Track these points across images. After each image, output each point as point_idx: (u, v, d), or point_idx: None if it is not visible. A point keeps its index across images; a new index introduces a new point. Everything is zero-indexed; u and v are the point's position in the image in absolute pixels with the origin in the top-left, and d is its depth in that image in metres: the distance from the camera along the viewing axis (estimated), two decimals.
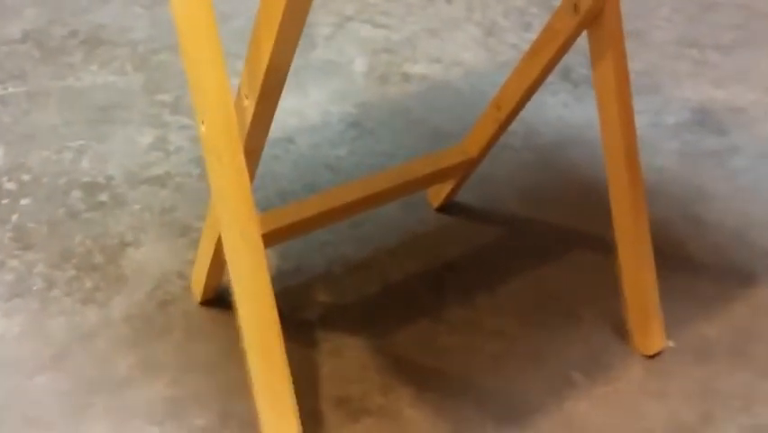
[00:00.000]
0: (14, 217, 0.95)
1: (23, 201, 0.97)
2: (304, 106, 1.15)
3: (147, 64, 1.22)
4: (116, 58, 1.23)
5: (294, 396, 0.63)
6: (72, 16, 1.33)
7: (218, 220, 0.74)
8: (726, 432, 0.77)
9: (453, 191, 1.00)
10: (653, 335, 0.84)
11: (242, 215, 0.61)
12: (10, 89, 1.16)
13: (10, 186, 1.00)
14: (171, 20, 1.33)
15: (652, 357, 0.84)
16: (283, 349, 0.61)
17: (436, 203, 1.01)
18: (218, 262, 0.80)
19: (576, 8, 0.78)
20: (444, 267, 0.93)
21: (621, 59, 0.79)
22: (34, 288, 0.86)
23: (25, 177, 1.01)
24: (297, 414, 0.63)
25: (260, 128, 0.65)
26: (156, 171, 1.02)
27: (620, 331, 0.85)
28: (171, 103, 1.15)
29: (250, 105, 0.62)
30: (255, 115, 0.63)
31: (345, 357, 0.82)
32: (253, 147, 0.65)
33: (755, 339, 0.87)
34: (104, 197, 0.98)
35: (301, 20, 0.57)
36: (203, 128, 0.61)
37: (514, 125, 0.91)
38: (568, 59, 0.83)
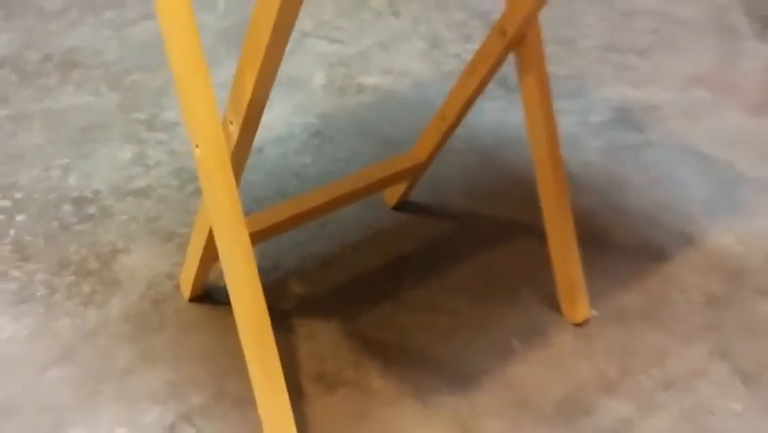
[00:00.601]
0: (12, 232, 1.05)
1: (19, 217, 1.07)
2: (271, 119, 1.27)
3: (120, 84, 1.33)
4: (91, 79, 1.33)
5: (282, 371, 0.75)
6: (45, 40, 1.42)
7: (206, 227, 0.86)
8: (641, 383, 0.91)
9: (407, 191, 1.12)
10: (579, 305, 0.98)
11: (233, 220, 0.73)
12: None
13: (4, 203, 1.10)
14: (140, 41, 1.44)
15: (579, 324, 0.98)
16: (271, 331, 0.74)
17: (392, 202, 1.13)
18: (205, 264, 0.92)
19: (504, 32, 0.91)
20: (401, 258, 1.06)
21: (543, 74, 0.92)
22: (38, 294, 0.97)
23: (18, 194, 1.11)
24: (285, 387, 0.76)
25: (244, 148, 0.77)
26: (138, 184, 1.13)
27: (552, 303, 0.99)
28: (147, 120, 1.25)
29: (234, 130, 0.74)
30: (239, 138, 0.75)
31: (320, 339, 0.94)
32: (238, 163, 0.77)
33: (665, 306, 1.01)
34: (92, 209, 1.09)
35: (279, 59, 0.69)
36: (197, 151, 0.73)
37: (458, 130, 1.04)
38: (503, 68, 0.96)
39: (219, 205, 0.73)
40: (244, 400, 0.86)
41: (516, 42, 0.91)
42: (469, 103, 0.98)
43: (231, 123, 0.74)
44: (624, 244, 1.09)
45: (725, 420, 0.88)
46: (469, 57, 1.42)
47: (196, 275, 0.93)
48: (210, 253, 0.89)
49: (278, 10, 0.64)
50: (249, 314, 0.74)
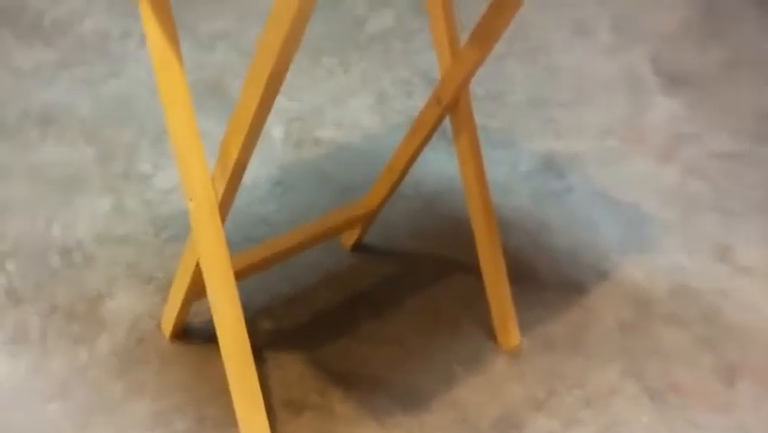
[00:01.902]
0: (3, 280, 1.15)
1: (9, 265, 1.18)
2: None
3: (96, 138, 1.44)
4: (68, 134, 1.44)
5: (260, 392, 0.88)
6: (22, 98, 1.52)
7: (189, 270, 0.99)
8: (565, 401, 1.07)
9: (362, 235, 1.26)
10: (511, 334, 1.13)
11: (220, 263, 0.87)
12: None
13: None
14: (112, 97, 1.56)
15: (511, 351, 1.13)
16: (251, 356, 0.87)
17: (349, 245, 1.27)
18: (187, 303, 1.05)
19: (439, 100, 1.05)
20: (358, 295, 1.20)
21: (473, 133, 1.06)
22: (32, 335, 1.07)
23: (6, 244, 1.21)
24: (263, 405, 0.88)
25: (228, 200, 0.90)
26: (118, 232, 1.25)
27: (489, 333, 1.14)
28: (122, 172, 1.37)
29: (220, 186, 0.88)
30: (225, 192, 0.88)
31: (288, 369, 1.07)
32: (223, 213, 0.91)
33: (585, 333, 1.18)
34: (77, 257, 1.20)
35: (261, 128, 0.83)
36: (191, 204, 0.86)
37: (405, 178, 1.18)
38: (444, 122, 1.10)
39: (208, 249, 0.87)
40: (224, 424, 0.99)
41: (450, 108, 1.06)
42: (413, 157, 1.13)
43: (216, 180, 0.88)
44: (549, 280, 1.25)
45: (635, 431, 1.04)
46: (412, 112, 1.59)
47: (178, 314, 1.05)
48: (192, 294, 1.02)
49: (260, 96, 0.78)
50: (232, 342, 0.87)
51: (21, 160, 1.38)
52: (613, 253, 1.31)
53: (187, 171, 0.87)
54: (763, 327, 1.20)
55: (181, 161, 0.87)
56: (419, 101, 1.62)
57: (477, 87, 1.67)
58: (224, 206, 0.90)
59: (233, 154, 0.84)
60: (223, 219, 0.90)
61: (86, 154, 1.40)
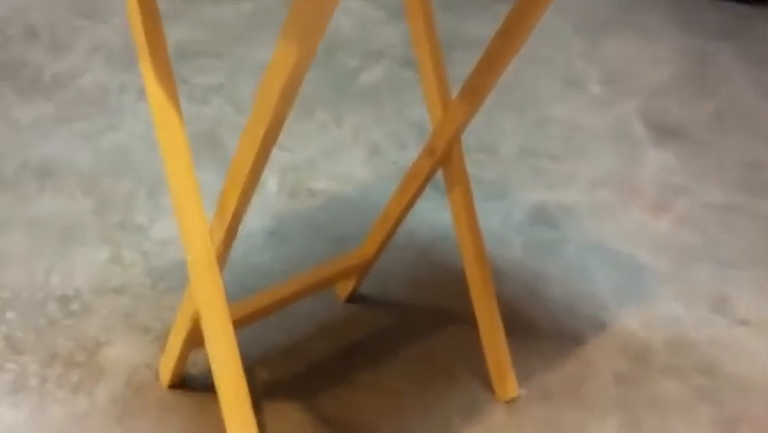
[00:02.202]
0: (4, 328, 1.15)
1: (9, 314, 1.18)
2: None
3: (93, 190, 1.46)
4: (66, 186, 1.46)
5: None
6: (21, 150, 1.54)
7: (187, 321, 0.99)
8: None
9: (357, 285, 1.27)
10: (508, 385, 1.13)
11: (219, 313, 0.87)
12: None
13: None
14: (108, 150, 1.58)
15: (509, 402, 1.13)
16: (250, 402, 0.86)
17: (344, 295, 1.28)
18: (185, 353, 1.05)
19: (432, 153, 1.07)
20: (353, 345, 1.20)
21: (466, 185, 1.08)
22: (31, 384, 1.07)
23: (6, 294, 1.21)
24: None
25: (226, 251, 0.91)
26: (115, 283, 1.25)
27: (486, 383, 1.14)
28: (119, 223, 1.38)
29: (218, 236, 0.89)
30: (222, 243, 0.90)
31: (285, 419, 1.07)
32: (221, 262, 0.91)
33: (582, 384, 1.18)
34: (75, 306, 1.20)
35: (256, 182, 0.85)
36: (190, 256, 0.87)
37: (399, 228, 1.20)
38: (437, 173, 1.12)
39: (208, 299, 0.87)
40: None
41: (443, 160, 1.07)
42: (407, 208, 1.14)
43: (215, 230, 0.89)
44: (545, 330, 1.26)
45: None
46: (404, 163, 1.61)
47: (176, 363, 1.05)
48: (191, 343, 1.02)
49: (257, 149, 0.80)
50: (231, 391, 0.87)
51: (19, 211, 1.39)
52: (609, 303, 1.32)
53: (185, 224, 0.88)
54: (761, 378, 1.20)
55: (180, 213, 0.88)
56: (412, 152, 1.64)
57: (468, 139, 1.70)
58: (222, 256, 0.91)
59: (231, 206, 0.86)
60: (220, 269, 0.90)
61: (83, 206, 1.41)
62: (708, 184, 1.65)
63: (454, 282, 1.31)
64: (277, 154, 1.60)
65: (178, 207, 0.88)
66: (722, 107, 1.93)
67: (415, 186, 1.11)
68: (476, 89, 1.00)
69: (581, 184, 1.62)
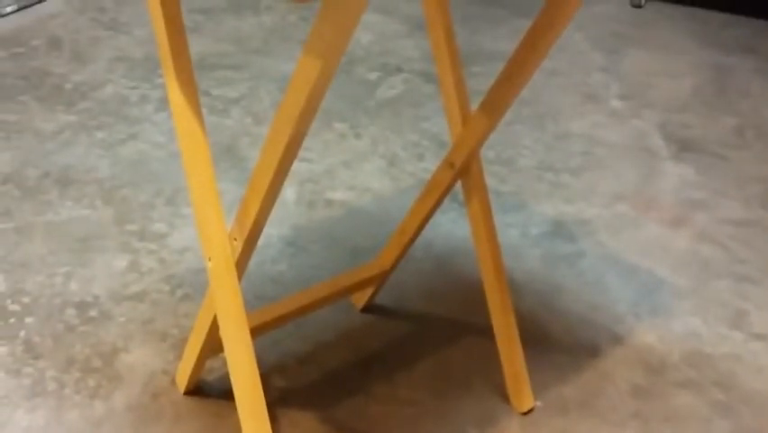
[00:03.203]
0: (22, 333, 1.16)
1: (28, 319, 1.19)
2: None
3: (113, 199, 1.47)
4: (86, 194, 1.47)
5: None
6: (43, 159, 1.56)
7: (205, 328, 1.00)
8: None
9: (373, 295, 1.27)
10: (524, 396, 1.13)
11: (237, 320, 0.88)
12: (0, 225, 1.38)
13: (14, 307, 1.21)
14: (128, 159, 1.60)
15: (525, 414, 1.13)
16: (267, 414, 0.87)
17: (360, 305, 1.28)
18: (202, 359, 1.05)
19: (452, 165, 1.07)
20: (370, 355, 1.20)
21: (485, 198, 1.08)
22: (49, 389, 1.08)
23: (25, 299, 1.23)
24: None
25: (245, 259, 0.92)
26: (134, 289, 1.26)
27: (502, 395, 1.13)
28: (138, 231, 1.39)
29: (238, 245, 0.90)
30: (242, 252, 0.90)
31: (301, 427, 1.07)
32: (240, 272, 0.92)
33: (599, 397, 1.17)
34: (93, 312, 1.22)
35: (278, 192, 0.85)
36: (210, 264, 0.88)
37: (416, 240, 1.20)
38: (455, 187, 1.12)
39: (226, 306, 0.88)
40: None
41: (462, 173, 1.07)
42: (425, 221, 1.14)
43: (235, 239, 0.90)
44: (562, 342, 1.25)
45: None
46: (423, 174, 1.61)
47: (194, 369, 1.06)
48: (208, 349, 1.02)
49: (279, 160, 0.80)
50: (248, 398, 0.87)
51: (40, 219, 1.40)
52: (626, 316, 1.31)
53: (206, 231, 0.89)
54: None
55: (201, 221, 0.89)
56: (430, 164, 1.65)
57: (488, 151, 1.70)
58: (241, 265, 0.91)
59: (252, 215, 0.86)
60: (239, 278, 0.91)
61: (103, 214, 1.43)
62: (728, 199, 1.64)
63: (471, 294, 1.31)
64: (296, 165, 1.60)
65: (199, 215, 0.89)
66: (742, 122, 1.92)
67: (433, 198, 1.11)
68: (496, 103, 1.00)
69: (600, 198, 1.62)
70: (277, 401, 1.10)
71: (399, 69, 2.03)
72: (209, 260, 0.88)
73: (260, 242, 1.41)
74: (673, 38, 2.34)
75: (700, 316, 1.33)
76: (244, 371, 0.87)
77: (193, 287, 1.28)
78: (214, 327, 0.96)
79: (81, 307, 1.22)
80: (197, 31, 2.13)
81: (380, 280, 1.22)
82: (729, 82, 2.12)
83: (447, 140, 1.70)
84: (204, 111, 1.73)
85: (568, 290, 1.36)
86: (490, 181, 1.51)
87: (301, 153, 1.66)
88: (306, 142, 1.68)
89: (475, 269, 1.34)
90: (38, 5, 2.17)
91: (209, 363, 1.09)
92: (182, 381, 1.08)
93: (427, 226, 1.16)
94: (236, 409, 0.88)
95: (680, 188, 1.67)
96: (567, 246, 1.47)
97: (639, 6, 2.47)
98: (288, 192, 1.54)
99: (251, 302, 1.26)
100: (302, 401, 1.10)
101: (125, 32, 2.10)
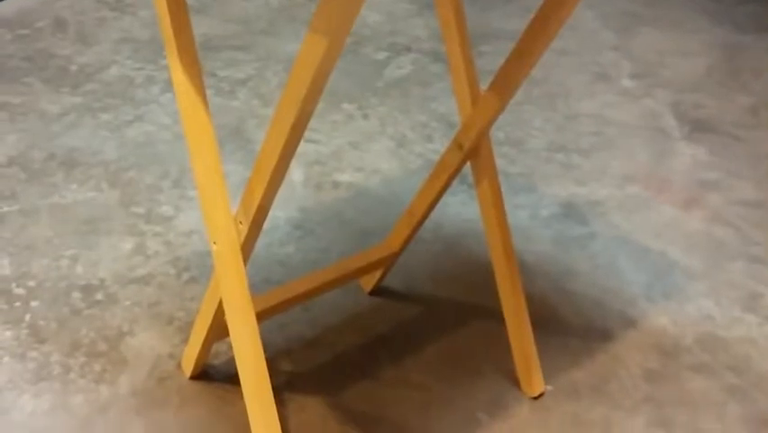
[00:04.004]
0: (28, 317, 1.16)
1: (33, 303, 1.18)
2: None
3: (119, 181, 1.46)
4: (92, 177, 1.46)
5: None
6: (48, 141, 1.55)
7: (211, 312, 0.98)
8: None
9: (381, 278, 1.25)
10: (535, 381, 1.11)
11: (243, 304, 0.86)
12: (5, 208, 1.37)
13: (19, 291, 1.20)
14: (134, 141, 1.58)
15: (536, 398, 1.11)
16: (272, 395, 0.85)
17: (368, 288, 1.27)
18: (208, 344, 1.04)
19: (461, 146, 1.05)
20: (378, 338, 1.19)
21: (495, 180, 1.06)
22: (54, 373, 1.07)
23: (31, 283, 1.22)
24: None
25: (251, 242, 0.90)
26: (140, 273, 1.25)
27: (512, 379, 1.12)
28: (144, 214, 1.38)
29: (244, 228, 0.88)
30: (247, 235, 0.89)
31: (308, 412, 1.06)
32: (245, 255, 0.91)
33: (610, 381, 1.16)
34: (99, 296, 1.20)
35: (283, 175, 0.84)
36: (215, 247, 0.86)
37: (425, 222, 1.18)
38: (463, 168, 1.11)
39: (232, 290, 0.86)
40: None
41: (472, 154, 1.06)
42: (434, 202, 1.12)
43: (240, 222, 0.88)
44: (573, 325, 1.24)
45: None
46: (431, 156, 1.59)
47: (200, 353, 1.05)
48: (214, 334, 1.01)
49: (284, 141, 0.79)
50: (254, 382, 0.86)
51: (46, 201, 1.39)
52: (639, 299, 1.29)
53: (211, 215, 0.87)
54: None
55: (206, 204, 0.87)
56: (439, 145, 1.62)
57: (496, 133, 1.68)
58: (247, 248, 0.90)
59: (257, 198, 0.85)
60: (245, 261, 0.89)
61: (109, 196, 1.41)
62: (741, 180, 1.62)
63: (480, 276, 1.30)
64: (303, 146, 1.59)
65: (204, 198, 0.87)
66: (756, 101, 1.89)
67: (442, 180, 1.09)
68: (506, 82, 0.98)
69: (611, 179, 1.59)
70: (284, 385, 1.09)
71: (408, 49, 2.00)
72: (214, 243, 0.86)
73: (267, 224, 1.40)
74: (686, 16, 2.30)
75: (713, 298, 1.31)
76: (250, 355, 0.86)
77: (199, 270, 1.27)
78: (220, 311, 0.94)
79: (87, 290, 1.21)
80: (204, 11, 2.11)
81: (389, 262, 1.21)
82: (743, 61, 2.08)
83: (456, 120, 1.68)
84: (210, 93, 1.72)
85: (579, 273, 1.34)
86: (500, 162, 1.48)
87: (308, 134, 1.64)
88: (313, 123, 1.66)
89: (485, 251, 1.33)
90: None
91: (215, 348, 1.08)
92: (188, 365, 1.07)
93: (436, 208, 1.15)
94: (242, 393, 0.86)
95: (692, 168, 1.65)
96: (578, 228, 1.45)
97: None
98: (296, 174, 1.52)
99: (259, 285, 1.24)
100: (309, 385, 1.09)
101: (131, 12, 2.07)
